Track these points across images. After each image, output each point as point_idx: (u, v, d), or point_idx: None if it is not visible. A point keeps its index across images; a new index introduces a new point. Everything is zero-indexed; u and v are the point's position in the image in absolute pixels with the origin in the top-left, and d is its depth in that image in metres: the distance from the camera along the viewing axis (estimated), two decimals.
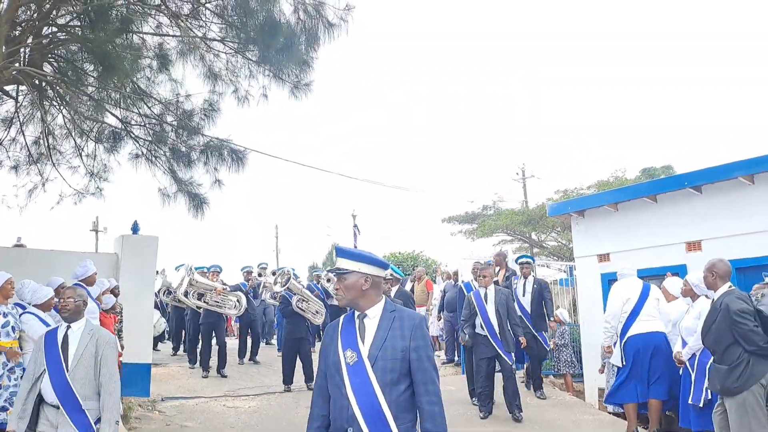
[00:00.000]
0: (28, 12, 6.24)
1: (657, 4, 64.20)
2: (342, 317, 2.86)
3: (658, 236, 8.90)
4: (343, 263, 2.75)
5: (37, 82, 6.37)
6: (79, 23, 6.44)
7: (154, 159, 8.12)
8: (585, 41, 69.29)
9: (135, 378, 7.98)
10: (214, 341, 10.33)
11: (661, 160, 39.13)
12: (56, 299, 5.97)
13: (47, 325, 5.80)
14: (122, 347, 7.63)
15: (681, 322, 5.94)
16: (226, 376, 9.57)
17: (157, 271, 11.04)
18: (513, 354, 7.45)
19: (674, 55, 66.07)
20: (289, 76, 7.19)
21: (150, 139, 8.00)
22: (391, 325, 2.68)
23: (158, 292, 10.46)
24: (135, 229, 8.50)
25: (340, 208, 69.80)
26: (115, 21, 6.01)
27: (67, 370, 4.18)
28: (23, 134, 7.58)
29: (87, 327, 4.42)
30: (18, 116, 7.41)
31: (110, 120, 7.69)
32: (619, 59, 65.92)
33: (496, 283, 8.31)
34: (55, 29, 6.45)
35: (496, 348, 7.29)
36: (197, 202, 7.69)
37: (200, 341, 10.10)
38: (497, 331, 7.32)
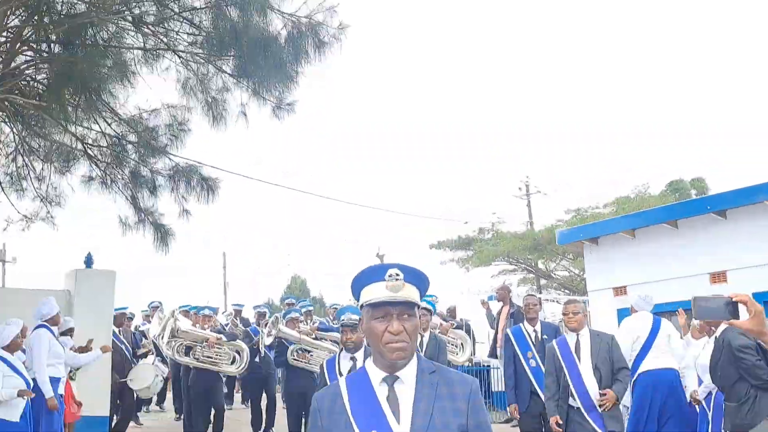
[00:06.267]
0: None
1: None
2: (341, 381, 2.54)
3: (680, 266, 10.19)
4: (413, 292, 2.45)
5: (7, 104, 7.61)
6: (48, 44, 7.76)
7: (110, 183, 9.32)
8: (600, 31, 71.86)
9: None
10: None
11: (691, 170, 40.99)
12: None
13: (11, 366, 6.99)
14: (79, 403, 8.67)
15: (698, 358, 7.25)
16: None
17: (156, 306, 11.96)
18: None
19: (706, 48, 68.92)
20: (272, 94, 8.49)
21: (108, 161, 9.21)
22: (436, 393, 2.39)
23: (158, 336, 10.44)
24: (88, 262, 9.64)
25: (306, 233, 70.94)
26: (88, 37, 7.32)
27: None
28: None
29: None
30: None
31: (67, 139, 8.90)
32: (641, 53, 68.44)
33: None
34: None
35: (595, 428, 6.17)
36: (162, 233, 8.91)
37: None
38: (596, 402, 6.20)
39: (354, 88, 76.02)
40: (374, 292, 2.41)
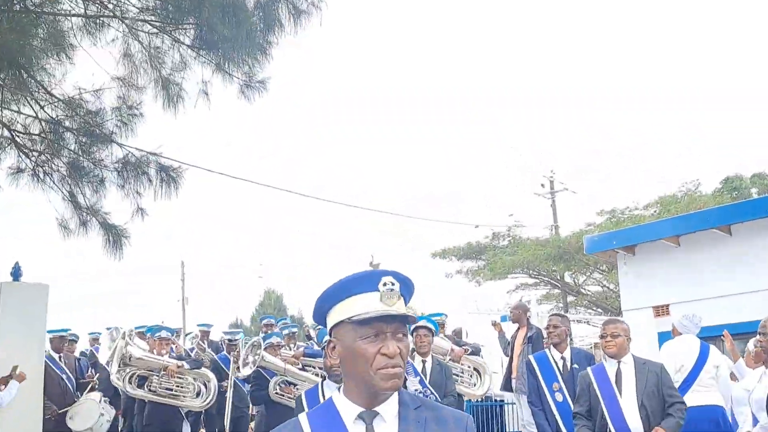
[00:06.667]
0: None
1: None
2: (302, 418, 2.37)
3: (733, 281, 9.74)
4: (404, 306, 2.33)
5: None
6: None
7: (44, 176, 8.80)
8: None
9: None
10: None
11: (752, 165, 40.21)
12: None
13: None
14: None
15: (753, 392, 6.68)
16: None
17: (109, 328, 11.45)
18: None
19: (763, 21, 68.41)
20: (240, 69, 8.04)
21: (40, 150, 8.69)
22: None
23: (106, 364, 10.07)
24: (16, 273, 9.10)
25: (280, 234, 70.47)
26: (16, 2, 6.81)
27: None
28: None
29: None
30: None
31: None
32: (692, 23, 68.13)
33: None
34: None
35: None
36: (114, 235, 8.42)
37: None
38: None
39: (335, 58, 74.83)
40: (363, 306, 2.20)
